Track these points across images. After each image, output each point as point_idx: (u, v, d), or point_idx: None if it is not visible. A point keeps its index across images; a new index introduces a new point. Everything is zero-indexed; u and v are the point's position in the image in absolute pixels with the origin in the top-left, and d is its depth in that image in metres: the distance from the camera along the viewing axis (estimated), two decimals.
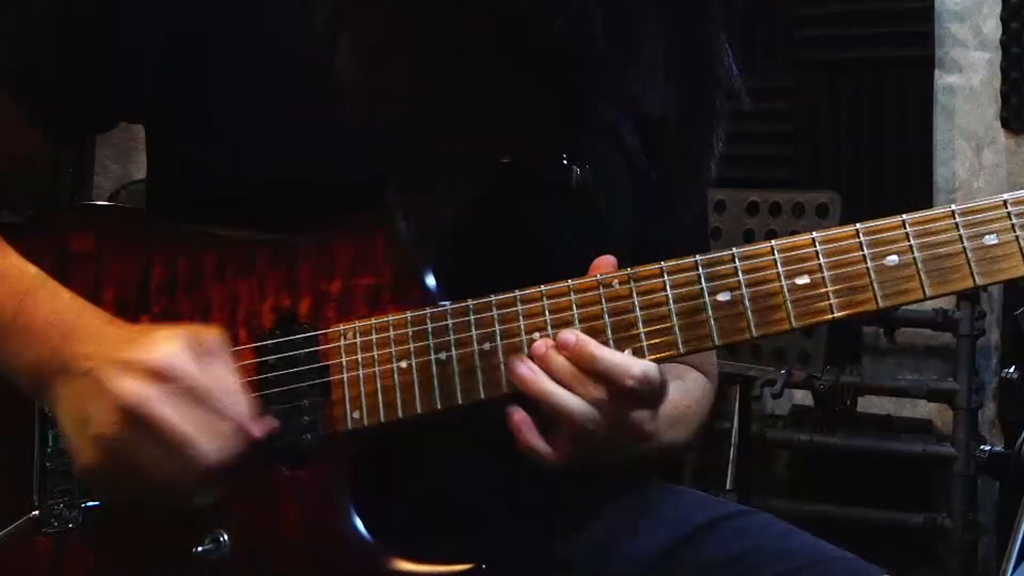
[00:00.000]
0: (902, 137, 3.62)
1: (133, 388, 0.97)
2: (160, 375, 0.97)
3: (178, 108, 1.16)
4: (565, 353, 1.02)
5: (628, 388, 1.01)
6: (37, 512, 1.11)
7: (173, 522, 1.05)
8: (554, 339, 1.04)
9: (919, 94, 3.60)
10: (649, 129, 1.25)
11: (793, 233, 1.03)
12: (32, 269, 1.10)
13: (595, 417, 1.02)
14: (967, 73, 3.60)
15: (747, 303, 1.02)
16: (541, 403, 1.02)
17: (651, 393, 1.03)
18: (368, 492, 1.08)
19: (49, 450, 1.12)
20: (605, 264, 1.07)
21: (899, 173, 3.59)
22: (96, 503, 1.10)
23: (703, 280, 1.03)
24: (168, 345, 0.99)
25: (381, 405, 1.06)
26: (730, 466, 3.17)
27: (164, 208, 1.23)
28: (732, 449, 3.19)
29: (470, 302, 1.06)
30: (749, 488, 3.23)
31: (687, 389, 1.28)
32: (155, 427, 0.97)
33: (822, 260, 1.02)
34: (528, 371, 1.03)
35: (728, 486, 3.16)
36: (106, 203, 1.35)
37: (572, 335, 1.03)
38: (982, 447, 3.14)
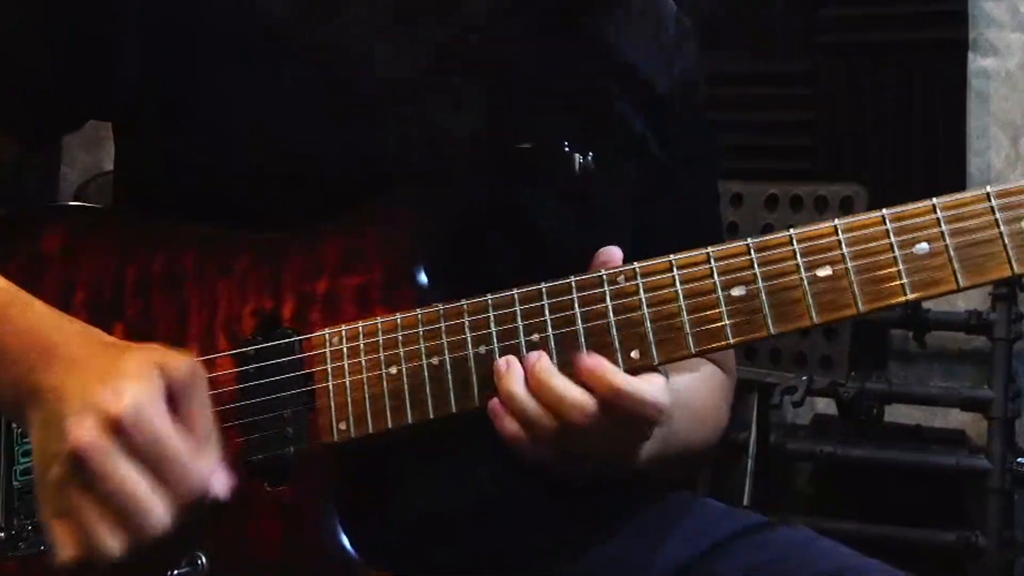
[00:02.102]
0: (932, 125, 3.60)
1: (88, 435, 0.93)
2: (120, 425, 0.93)
3: (159, 99, 1.16)
4: (526, 373, 1.02)
5: (576, 420, 1.00)
6: (3, 534, 1.11)
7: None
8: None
9: (951, 79, 3.59)
10: (654, 109, 1.25)
11: None
12: (1, 283, 1.09)
13: (552, 428, 1.00)
14: (1003, 56, 3.59)
15: (764, 298, 1.01)
16: (505, 405, 1.02)
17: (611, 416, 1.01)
18: (355, 508, 1.08)
19: (16, 469, 1.12)
20: (609, 256, 1.07)
21: (929, 164, 3.58)
22: None
23: (716, 274, 1.02)
24: (137, 388, 0.95)
25: (369, 415, 1.06)
26: (748, 480, 3.17)
27: (138, 204, 1.23)
28: (750, 461, 3.19)
29: (465, 302, 1.06)
30: (768, 503, 3.23)
31: (703, 385, 1.28)
32: (99, 480, 0.93)
33: (845, 250, 1.00)
34: (503, 364, 1.03)
35: (746, 501, 3.16)
36: (76, 203, 1.36)
37: (536, 354, 1.02)
38: (1019, 459, 3.14)
